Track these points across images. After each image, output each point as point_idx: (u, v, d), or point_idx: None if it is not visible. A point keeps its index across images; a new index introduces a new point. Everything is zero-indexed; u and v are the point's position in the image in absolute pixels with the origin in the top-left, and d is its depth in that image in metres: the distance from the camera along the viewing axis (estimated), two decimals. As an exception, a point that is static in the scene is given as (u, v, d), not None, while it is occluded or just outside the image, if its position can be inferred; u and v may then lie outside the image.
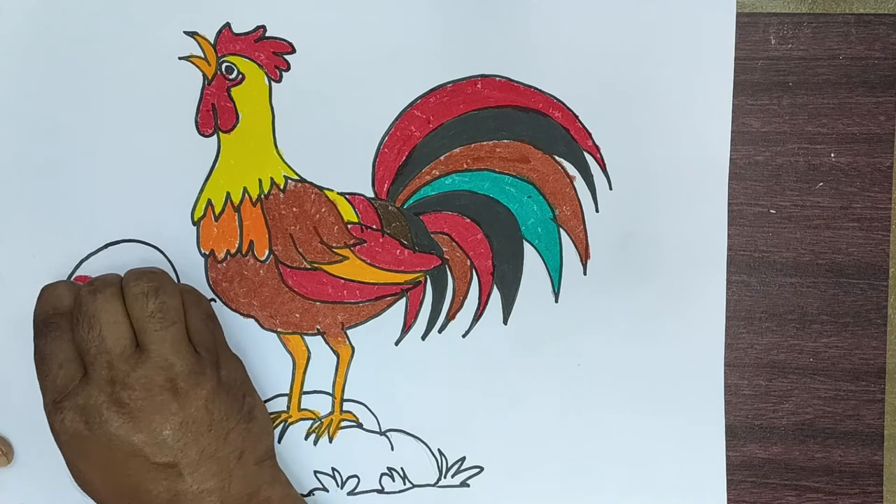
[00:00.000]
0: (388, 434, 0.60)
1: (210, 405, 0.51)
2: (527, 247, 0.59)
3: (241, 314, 0.59)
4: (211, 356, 0.52)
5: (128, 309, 0.50)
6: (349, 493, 0.60)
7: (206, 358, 0.51)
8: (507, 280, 0.59)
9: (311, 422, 0.60)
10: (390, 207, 0.58)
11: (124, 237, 0.58)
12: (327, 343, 0.59)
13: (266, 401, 0.59)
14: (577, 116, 0.58)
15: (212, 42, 0.57)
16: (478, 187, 0.58)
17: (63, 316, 0.52)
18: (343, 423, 0.60)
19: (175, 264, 0.58)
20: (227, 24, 0.57)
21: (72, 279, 0.58)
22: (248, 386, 0.54)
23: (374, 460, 0.60)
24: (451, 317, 0.59)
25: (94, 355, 0.50)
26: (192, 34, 0.57)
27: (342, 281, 0.58)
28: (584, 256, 0.59)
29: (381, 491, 0.60)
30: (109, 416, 0.49)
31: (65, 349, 0.51)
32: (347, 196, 0.58)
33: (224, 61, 0.57)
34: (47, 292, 0.53)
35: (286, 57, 0.57)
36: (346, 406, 0.59)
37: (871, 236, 0.58)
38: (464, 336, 0.59)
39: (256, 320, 0.59)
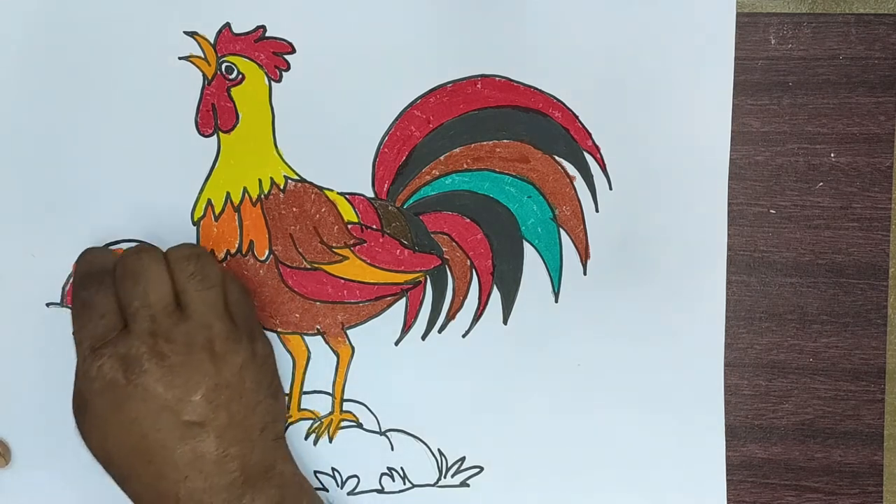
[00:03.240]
0: (388, 434, 0.60)
1: (244, 373, 0.51)
2: (527, 247, 0.59)
3: (241, 314, 0.59)
4: (247, 328, 0.53)
5: (170, 272, 0.51)
6: (349, 493, 0.60)
7: (242, 328, 0.52)
8: (507, 280, 0.59)
9: (311, 422, 0.60)
10: (390, 207, 0.58)
11: (124, 237, 0.58)
12: (327, 343, 0.59)
13: (266, 401, 0.59)
14: (577, 116, 0.58)
15: (212, 42, 0.57)
16: (478, 187, 0.58)
17: (106, 272, 0.52)
18: (343, 423, 0.60)
19: (175, 264, 0.58)
20: (227, 24, 0.57)
21: (72, 279, 0.58)
22: (276, 367, 0.55)
23: (374, 460, 0.60)
24: (451, 317, 0.59)
25: (136, 308, 0.50)
26: (192, 34, 0.57)
27: (342, 281, 0.58)
28: (584, 256, 0.59)
29: (381, 491, 0.60)
30: (150, 366, 0.49)
31: (108, 301, 0.51)
32: (347, 196, 0.58)
33: (224, 61, 0.57)
34: (90, 252, 0.54)
35: (286, 57, 0.57)
36: (346, 406, 0.59)
37: (871, 236, 0.58)
38: (464, 336, 0.59)
39: (256, 320, 0.59)
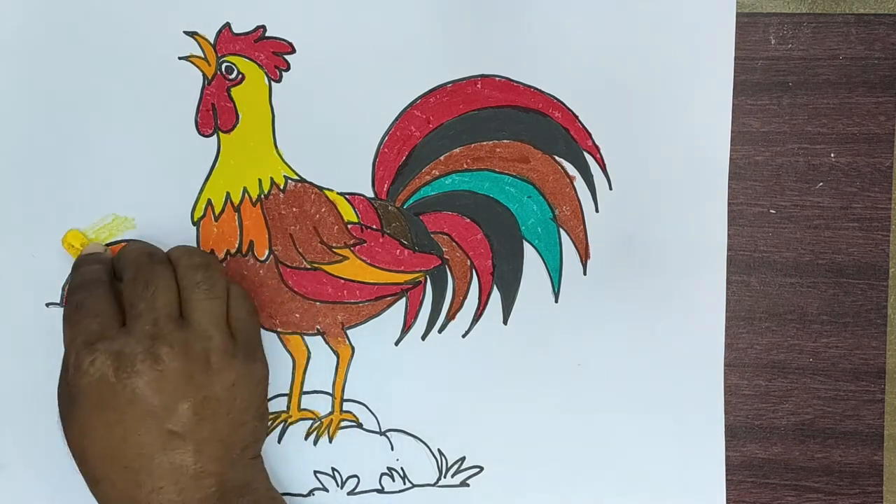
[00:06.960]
0: (388, 434, 0.60)
1: (236, 390, 0.51)
2: (527, 247, 0.59)
3: (241, 314, 0.59)
4: (246, 346, 0.53)
5: (178, 279, 0.52)
6: (349, 493, 0.60)
7: (241, 345, 0.52)
8: (507, 280, 0.59)
9: (311, 422, 0.60)
10: (390, 207, 0.58)
11: (124, 237, 0.58)
12: (327, 343, 0.59)
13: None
14: (577, 116, 0.58)
15: (212, 42, 0.57)
16: (478, 187, 0.58)
17: (99, 281, 0.53)
18: (343, 423, 0.60)
19: (175, 264, 0.58)
20: (227, 24, 0.57)
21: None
22: (267, 391, 0.55)
23: (374, 460, 0.60)
24: (451, 317, 0.59)
25: (141, 310, 0.50)
26: (192, 34, 0.57)
27: (342, 281, 0.58)
28: (584, 256, 0.59)
29: (381, 491, 0.60)
30: (142, 368, 0.49)
31: (101, 303, 0.52)
32: (347, 196, 0.58)
33: (224, 61, 0.57)
34: (83, 263, 0.55)
35: (286, 57, 0.57)
36: (346, 406, 0.59)
37: (871, 236, 0.58)
38: (464, 336, 0.59)
39: (256, 320, 0.59)
